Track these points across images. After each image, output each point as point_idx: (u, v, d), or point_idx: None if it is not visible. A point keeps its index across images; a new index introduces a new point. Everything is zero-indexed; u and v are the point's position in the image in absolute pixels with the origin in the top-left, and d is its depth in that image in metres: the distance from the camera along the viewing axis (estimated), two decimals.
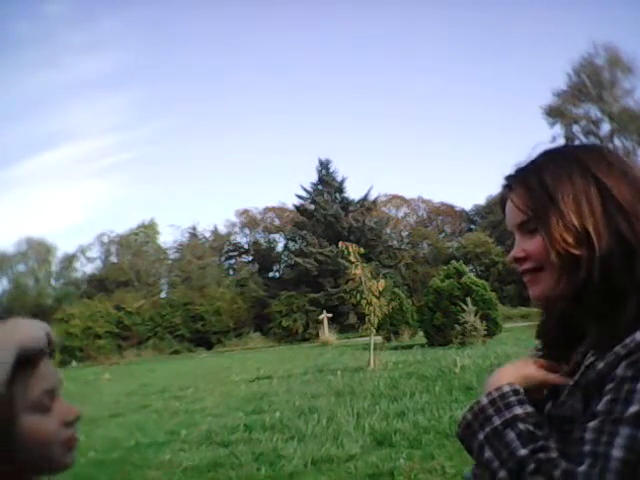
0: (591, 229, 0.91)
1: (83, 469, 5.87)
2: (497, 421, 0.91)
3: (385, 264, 41.57)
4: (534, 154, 1.03)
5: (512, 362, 1.03)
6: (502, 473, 0.85)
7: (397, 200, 53.41)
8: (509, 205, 1.01)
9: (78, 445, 0.88)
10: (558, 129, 41.20)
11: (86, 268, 53.19)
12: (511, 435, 0.88)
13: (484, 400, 0.97)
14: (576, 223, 0.91)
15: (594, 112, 40.58)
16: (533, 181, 0.97)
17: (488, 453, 0.89)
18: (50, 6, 69.33)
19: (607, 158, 0.96)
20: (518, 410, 0.91)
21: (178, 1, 71.07)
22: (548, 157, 1.00)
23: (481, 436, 0.92)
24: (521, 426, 0.89)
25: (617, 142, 39.83)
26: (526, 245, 0.98)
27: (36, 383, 0.81)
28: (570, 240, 0.91)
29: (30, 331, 0.80)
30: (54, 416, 0.84)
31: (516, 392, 0.95)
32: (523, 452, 0.85)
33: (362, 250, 14.49)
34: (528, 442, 0.86)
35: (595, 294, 0.90)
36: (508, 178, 1.04)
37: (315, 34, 69.39)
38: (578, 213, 0.92)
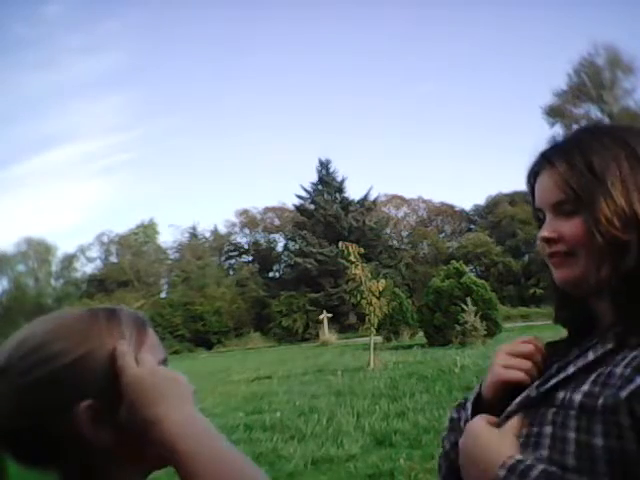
0: None
1: None
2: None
3: (385, 264, 41.56)
4: (569, 132, 0.99)
5: (480, 431, 0.91)
6: None
7: (397, 200, 53.41)
8: (546, 181, 0.95)
9: None
10: (558, 129, 41.20)
11: (86, 268, 53.27)
12: None
13: (501, 473, 0.83)
14: (625, 207, 0.87)
15: (594, 112, 40.64)
16: (578, 159, 0.92)
17: None
18: (49, 7, 69.51)
19: None
20: (542, 466, 0.81)
21: (177, 2, 71.15)
22: (593, 136, 0.95)
23: None
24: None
25: None
26: (561, 226, 0.92)
27: (151, 350, 0.78)
28: (618, 224, 0.87)
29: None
30: None
31: (520, 461, 0.84)
32: None
33: (362, 250, 14.50)
34: None
35: (638, 282, 0.85)
36: (545, 153, 0.98)
37: (315, 34, 69.47)
38: (626, 197, 0.88)
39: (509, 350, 0.98)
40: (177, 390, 0.73)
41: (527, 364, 0.95)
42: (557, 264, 0.94)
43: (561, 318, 1.04)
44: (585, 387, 0.84)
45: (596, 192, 0.88)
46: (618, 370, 0.82)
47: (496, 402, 0.96)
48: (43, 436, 0.71)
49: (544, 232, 0.94)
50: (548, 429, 0.84)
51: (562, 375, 0.89)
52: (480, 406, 1.00)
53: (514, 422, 0.89)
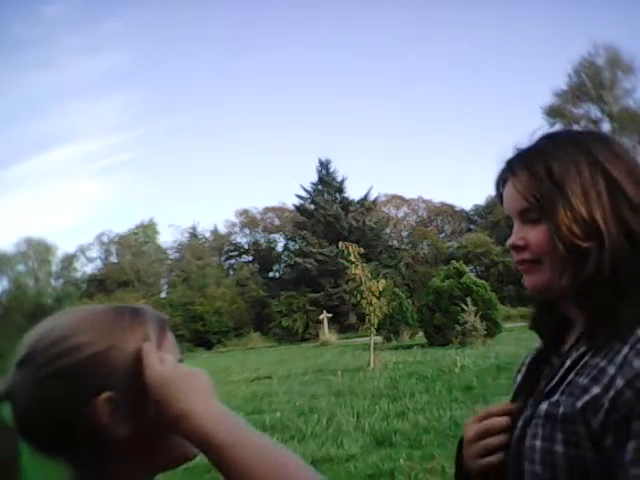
0: (600, 221, 0.87)
1: None
2: None
3: (385, 264, 41.55)
4: (534, 138, 0.99)
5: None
6: None
7: (397, 200, 53.40)
8: (510, 190, 0.96)
9: None
10: (558, 129, 41.19)
11: (86, 268, 53.25)
12: None
13: None
14: (585, 214, 0.87)
15: (594, 112, 40.64)
16: (539, 167, 0.92)
17: None
18: (50, 7, 69.49)
19: (614, 148, 0.93)
20: None
21: (177, 2, 71.11)
22: (554, 143, 0.95)
23: None
24: None
25: None
26: (527, 234, 0.93)
27: (171, 350, 0.80)
28: (578, 232, 0.87)
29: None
30: None
31: None
32: None
33: (362, 250, 14.50)
34: None
35: (601, 288, 0.87)
36: (510, 161, 0.98)
37: (315, 34, 69.45)
38: (586, 204, 0.88)
39: (477, 433, 0.96)
40: (200, 385, 0.74)
41: (500, 439, 0.93)
42: (525, 271, 0.95)
43: (537, 325, 1.06)
44: (555, 397, 0.87)
45: (556, 200, 0.89)
46: (580, 380, 0.85)
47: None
48: (60, 425, 0.73)
49: (512, 239, 0.95)
50: (528, 440, 0.88)
51: (547, 389, 0.91)
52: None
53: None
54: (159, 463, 0.79)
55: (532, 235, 0.92)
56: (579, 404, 0.82)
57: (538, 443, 0.85)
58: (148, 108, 73.60)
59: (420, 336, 20.84)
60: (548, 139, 0.97)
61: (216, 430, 0.69)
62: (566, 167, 0.90)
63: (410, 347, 18.22)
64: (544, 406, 0.87)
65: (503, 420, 0.94)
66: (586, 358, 0.87)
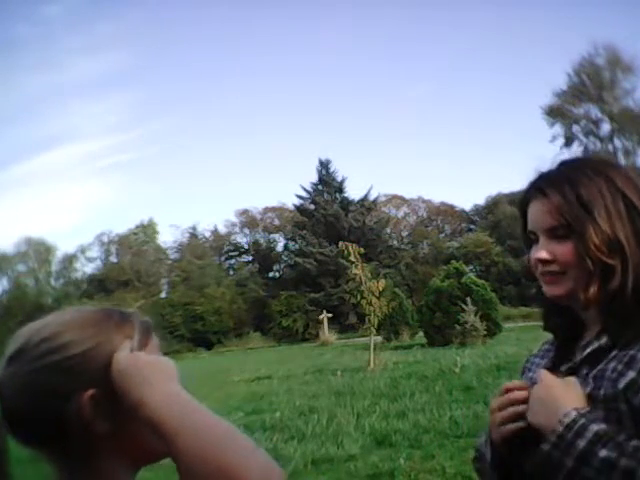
0: (623, 240, 1.01)
1: None
2: (582, 443, 0.90)
3: (385, 264, 41.54)
4: (555, 162, 1.13)
5: (556, 382, 1.01)
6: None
7: (397, 200, 53.38)
8: (539, 209, 1.08)
9: None
10: (558, 129, 41.18)
11: (86, 268, 53.19)
12: (603, 452, 0.88)
13: (559, 428, 0.93)
14: (610, 234, 1.01)
15: (594, 112, 40.61)
16: (569, 192, 1.05)
17: (587, 472, 0.89)
18: (50, 8, 69.42)
19: (627, 175, 1.08)
20: (596, 427, 0.91)
21: (177, 3, 71.12)
22: (576, 170, 1.08)
23: (569, 463, 0.91)
24: (607, 440, 0.90)
25: (617, 142, 39.89)
26: (555, 249, 1.05)
27: (154, 352, 0.82)
28: (605, 249, 1.01)
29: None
30: None
31: (583, 415, 0.94)
32: (624, 462, 0.86)
33: (362, 250, 14.50)
34: (621, 451, 0.87)
35: (626, 299, 0.99)
36: (538, 184, 1.11)
37: (315, 35, 69.39)
38: (611, 225, 1.02)
39: (499, 404, 1.06)
40: (159, 371, 0.76)
41: (521, 408, 1.02)
42: (549, 282, 1.08)
43: (551, 326, 1.19)
44: (590, 380, 0.99)
45: (586, 222, 1.02)
46: (611, 366, 0.97)
47: (508, 452, 1.05)
48: (47, 419, 0.75)
49: (541, 254, 1.07)
50: None
51: (564, 368, 1.06)
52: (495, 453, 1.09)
53: (572, 379, 1.01)
54: (141, 458, 0.81)
55: (560, 250, 1.05)
56: (620, 385, 0.94)
57: None
58: (148, 108, 73.63)
59: (420, 336, 20.84)
60: (570, 167, 1.11)
61: (166, 417, 0.70)
62: (592, 192, 1.04)
63: (410, 347, 18.22)
64: (586, 389, 0.98)
65: (523, 393, 1.03)
66: (615, 352, 0.99)
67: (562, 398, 0.98)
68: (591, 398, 0.97)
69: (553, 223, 1.05)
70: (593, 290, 1.02)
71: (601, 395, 0.96)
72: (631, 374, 0.94)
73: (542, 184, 1.10)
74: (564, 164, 1.13)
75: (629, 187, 1.05)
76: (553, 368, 1.10)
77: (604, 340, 1.02)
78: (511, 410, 1.03)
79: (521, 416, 1.01)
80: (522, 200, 1.15)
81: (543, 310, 1.19)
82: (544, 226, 1.07)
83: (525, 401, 1.02)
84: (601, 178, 1.05)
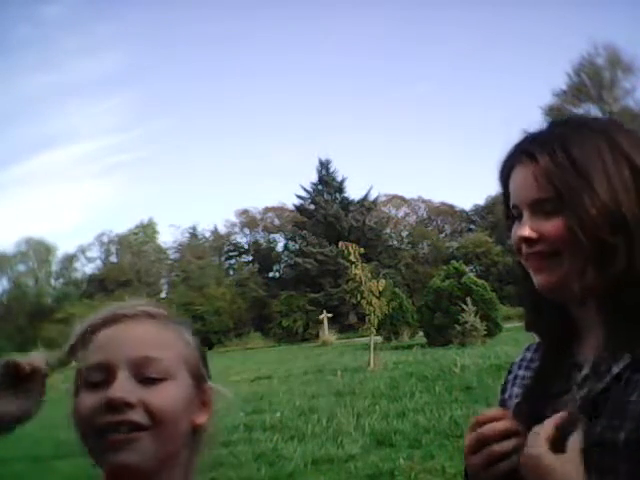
0: (628, 213, 0.79)
1: (82, 470, 5.86)
2: None
3: (385, 264, 41.54)
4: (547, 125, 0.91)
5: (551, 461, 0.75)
6: None
7: (397, 200, 53.36)
8: (523, 177, 0.85)
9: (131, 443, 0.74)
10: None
11: (86, 268, 53.21)
12: None
13: None
14: (612, 206, 0.79)
15: (594, 112, 40.51)
16: (561, 154, 0.82)
17: None
18: (49, 8, 69.41)
19: (633, 136, 0.85)
20: None
21: (176, 3, 71.09)
22: (572, 128, 0.86)
23: None
24: None
25: None
26: (541, 226, 0.83)
27: (89, 355, 0.80)
28: (605, 225, 0.78)
29: (107, 307, 0.86)
30: (98, 395, 0.75)
31: None
32: None
33: (362, 250, 14.51)
34: None
35: (633, 287, 0.78)
36: (523, 146, 0.88)
37: (315, 34, 69.43)
38: (613, 195, 0.79)
39: (470, 443, 0.83)
40: None
41: (508, 445, 0.81)
42: (537, 267, 0.85)
43: (535, 326, 0.95)
44: (603, 418, 0.76)
45: (580, 190, 0.80)
46: (631, 398, 0.74)
47: None
48: None
49: (523, 230, 0.84)
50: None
51: (580, 397, 0.79)
52: None
53: (574, 444, 0.76)
54: None
55: (547, 227, 0.82)
56: None
57: (594, 478, 0.73)
58: (148, 108, 73.65)
59: (420, 336, 20.84)
60: (562, 124, 0.89)
61: None
62: (588, 154, 0.81)
63: (410, 347, 18.21)
64: (596, 430, 0.75)
65: (500, 425, 0.82)
66: (628, 374, 0.76)
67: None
68: (607, 444, 0.73)
69: (540, 195, 0.83)
70: (591, 275, 0.80)
71: (621, 440, 0.72)
72: None
73: (528, 145, 0.87)
74: (557, 123, 0.91)
75: (634, 147, 0.82)
76: (537, 390, 0.88)
77: (627, 359, 0.76)
78: (485, 454, 0.80)
79: (499, 457, 0.80)
80: (504, 167, 0.91)
81: (526, 304, 0.94)
82: (529, 198, 0.84)
83: (502, 436, 0.80)
84: (602, 138, 0.83)
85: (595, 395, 0.78)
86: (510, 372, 1.01)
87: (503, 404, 0.96)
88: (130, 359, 0.77)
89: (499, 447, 0.80)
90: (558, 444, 0.75)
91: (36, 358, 0.83)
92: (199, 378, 0.84)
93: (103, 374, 0.76)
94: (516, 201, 0.87)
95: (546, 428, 0.77)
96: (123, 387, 0.74)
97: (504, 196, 0.91)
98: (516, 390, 0.95)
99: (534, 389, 0.89)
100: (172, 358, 0.80)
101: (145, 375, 0.77)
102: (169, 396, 0.77)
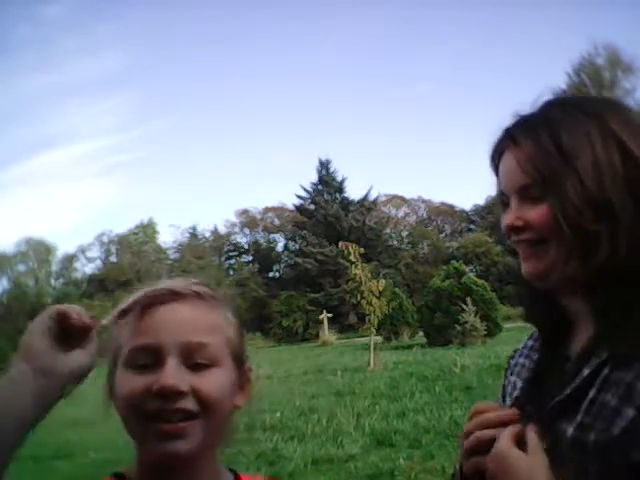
0: (614, 201, 0.75)
1: (83, 470, 5.87)
2: None
3: (385, 264, 41.54)
4: (537, 105, 0.87)
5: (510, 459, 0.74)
6: None
7: (397, 200, 53.37)
8: (510, 163, 0.83)
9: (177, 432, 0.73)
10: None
11: (86, 268, 53.23)
12: None
13: None
14: (596, 193, 0.76)
15: None
16: (545, 137, 0.80)
17: None
18: (49, 8, 69.40)
19: (629, 117, 0.81)
20: None
21: (175, 3, 71.09)
22: (562, 110, 0.83)
23: None
24: None
25: None
26: (527, 213, 0.81)
27: (133, 336, 0.77)
28: (587, 212, 0.76)
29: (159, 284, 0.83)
30: (145, 379, 0.74)
31: None
32: None
33: (362, 250, 14.51)
34: None
35: (616, 278, 0.75)
36: (511, 130, 0.85)
37: (315, 34, 69.43)
38: (599, 181, 0.76)
39: (467, 430, 0.82)
40: None
41: (489, 433, 0.79)
42: (525, 255, 0.84)
43: (532, 316, 0.93)
44: (578, 417, 0.74)
45: (565, 175, 0.77)
46: (607, 398, 0.72)
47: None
48: None
49: (509, 219, 0.83)
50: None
51: (557, 399, 0.78)
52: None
53: (532, 439, 0.75)
54: None
55: (533, 214, 0.80)
56: (615, 430, 0.69)
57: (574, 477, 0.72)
58: (147, 108, 73.66)
59: (420, 336, 20.84)
60: (555, 106, 0.85)
61: None
62: (577, 138, 0.78)
63: (410, 347, 18.21)
64: (569, 430, 0.74)
65: (493, 415, 0.81)
66: (606, 370, 0.74)
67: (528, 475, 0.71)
68: (577, 444, 0.72)
69: (525, 179, 0.80)
70: (573, 264, 0.77)
71: (591, 441, 0.71)
72: (629, 412, 0.69)
73: (516, 129, 0.84)
74: (548, 103, 0.86)
75: (629, 133, 0.78)
76: (535, 382, 0.87)
77: (604, 355, 0.75)
78: (479, 434, 0.79)
79: (482, 446, 0.78)
80: (493, 153, 0.88)
81: (523, 294, 0.93)
82: (515, 184, 0.82)
83: (496, 424, 0.79)
84: (593, 122, 0.79)
85: (572, 392, 0.76)
86: (512, 357, 1.00)
87: (503, 390, 0.98)
88: (181, 344, 0.75)
89: (480, 434, 0.79)
90: (524, 442, 0.75)
91: (84, 312, 0.76)
92: (240, 360, 0.84)
93: (152, 357, 0.75)
94: (504, 188, 0.86)
95: (512, 426, 0.77)
96: (174, 374, 0.73)
97: (498, 184, 0.89)
98: (513, 378, 0.94)
99: (532, 382, 0.88)
100: (219, 343, 0.79)
101: (194, 361, 0.76)
102: (217, 382, 0.76)
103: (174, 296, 0.80)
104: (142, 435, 0.74)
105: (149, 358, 0.75)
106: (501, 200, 0.88)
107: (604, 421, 0.71)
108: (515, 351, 1.01)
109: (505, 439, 0.75)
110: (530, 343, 0.97)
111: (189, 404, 0.73)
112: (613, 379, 0.73)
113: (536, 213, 0.80)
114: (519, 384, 0.92)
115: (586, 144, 0.78)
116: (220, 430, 0.79)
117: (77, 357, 0.74)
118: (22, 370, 0.70)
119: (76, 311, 0.74)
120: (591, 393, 0.74)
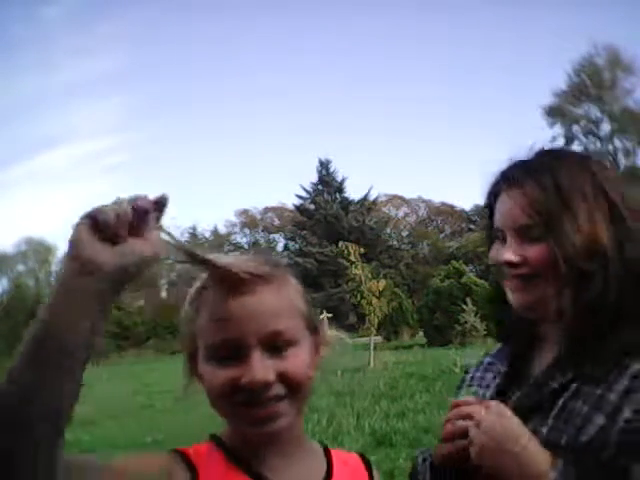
0: (606, 245, 0.85)
1: None
2: None
3: (385, 264, 41.54)
4: (532, 153, 0.96)
5: (513, 421, 0.82)
6: None
7: (397, 200, 53.38)
8: (511, 203, 0.90)
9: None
10: (558, 129, 41.14)
11: None
12: None
13: None
14: (591, 236, 0.85)
15: (594, 112, 40.57)
16: (547, 182, 0.88)
17: None
18: (49, 8, 69.46)
19: (612, 176, 0.93)
20: None
21: (175, 3, 71.09)
22: (559, 161, 0.92)
23: None
24: None
25: (617, 142, 39.88)
26: (525, 251, 0.89)
27: (214, 329, 0.76)
28: (584, 254, 0.84)
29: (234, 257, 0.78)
30: (231, 372, 0.74)
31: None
32: None
33: (362, 250, 14.52)
34: None
35: (602, 313, 0.84)
36: (510, 172, 0.93)
37: (314, 34, 69.42)
38: (593, 226, 0.85)
39: (446, 420, 0.90)
40: None
41: (465, 424, 0.85)
42: (517, 288, 0.91)
43: (505, 337, 1.05)
44: (550, 421, 0.82)
45: (563, 217, 0.86)
46: (577, 405, 0.81)
47: (447, 474, 0.92)
48: None
49: (509, 256, 0.90)
50: None
51: (527, 404, 0.86)
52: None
53: (498, 406, 0.85)
54: None
55: (531, 252, 0.88)
56: (587, 434, 0.78)
57: None
58: (147, 108, 73.61)
59: (420, 336, 20.86)
60: (549, 155, 0.94)
61: None
62: (574, 187, 0.87)
63: (410, 347, 18.23)
64: (542, 430, 0.82)
65: (471, 408, 0.87)
66: (575, 384, 0.83)
67: (525, 447, 0.77)
68: (549, 444, 0.79)
69: (526, 221, 0.88)
70: (566, 298, 0.86)
71: (562, 442, 0.79)
72: (599, 420, 0.77)
73: (517, 172, 0.92)
74: (544, 153, 0.96)
75: (613, 188, 0.90)
76: (501, 393, 0.95)
77: (569, 375, 0.84)
78: (457, 424, 0.86)
79: (466, 434, 0.85)
80: (490, 193, 0.97)
81: (502, 318, 1.02)
82: (515, 224, 0.90)
83: (471, 417, 0.85)
84: (584, 171, 0.89)
85: (540, 398, 0.85)
86: (467, 372, 1.11)
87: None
88: (262, 336, 0.75)
89: (451, 425, 0.87)
90: None
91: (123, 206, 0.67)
92: (314, 326, 0.86)
93: (235, 351, 0.75)
94: (502, 225, 0.93)
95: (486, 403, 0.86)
96: (261, 367, 0.74)
97: (489, 219, 0.97)
98: (474, 389, 1.03)
99: (502, 388, 0.96)
100: (297, 321, 0.80)
101: (276, 345, 0.76)
102: (300, 361, 0.78)
103: (251, 280, 0.75)
104: (235, 419, 0.77)
105: (232, 352, 0.75)
106: (495, 235, 0.95)
107: (574, 427, 0.79)
108: (466, 372, 1.12)
109: (487, 413, 0.82)
110: (488, 359, 1.07)
111: (277, 389, 0.75)
112: (583, 391, 0.82)
113: (535, 251, 0.88)
114: (481, 392, 0.99)
115: (580, 191, 0.87)
116: (306, 399, 0.82)
117: (132, 248, 0.67)
118: (69, 268, 0.66)
119: (110, 215, 0.65)
120: (560, 401, 0.83)
